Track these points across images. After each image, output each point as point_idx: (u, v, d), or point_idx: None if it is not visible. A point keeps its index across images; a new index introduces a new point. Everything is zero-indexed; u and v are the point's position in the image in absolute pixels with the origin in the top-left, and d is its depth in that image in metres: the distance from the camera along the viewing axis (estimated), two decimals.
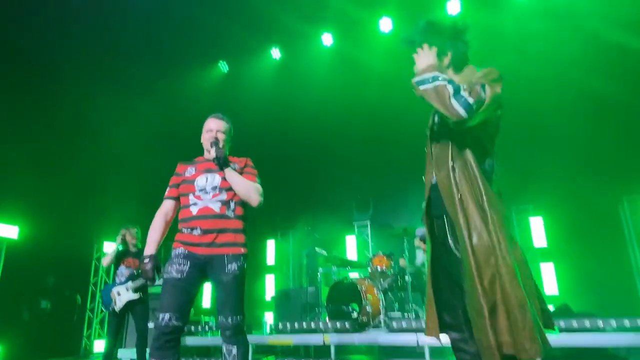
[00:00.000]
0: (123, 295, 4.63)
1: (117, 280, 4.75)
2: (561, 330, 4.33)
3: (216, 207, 2.49)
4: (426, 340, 4.48)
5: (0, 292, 6.77)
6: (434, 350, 4.47)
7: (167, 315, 2.27)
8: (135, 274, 4.75)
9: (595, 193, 6.30)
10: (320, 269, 6.43)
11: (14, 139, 6.78)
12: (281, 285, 8.32)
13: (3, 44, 6.64)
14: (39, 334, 7.05)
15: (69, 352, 7.69)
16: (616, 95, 6.08)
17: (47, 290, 7.68)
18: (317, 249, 6.34)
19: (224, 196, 2.53)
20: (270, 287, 8.57)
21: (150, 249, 2.52)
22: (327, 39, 8.67)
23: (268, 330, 5.88)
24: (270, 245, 8.86)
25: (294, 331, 5.29)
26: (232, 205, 2.53)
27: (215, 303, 2.46)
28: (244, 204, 2.59)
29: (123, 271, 4.76)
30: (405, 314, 5.49)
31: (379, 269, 5.84)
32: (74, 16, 6.77)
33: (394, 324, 4.88)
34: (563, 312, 4.67)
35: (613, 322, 4.19)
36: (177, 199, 2.64)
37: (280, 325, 5.42)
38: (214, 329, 5.85)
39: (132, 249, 4.90)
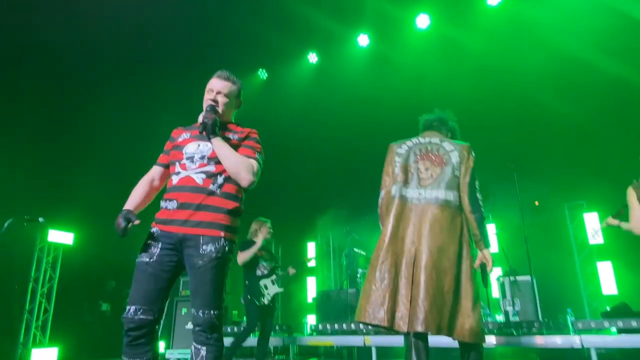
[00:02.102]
0: (270, 288, 4.71)
1: (259, 273, 4.75)
2: (620, 330, 4.02)
3: (199, 179, 2.11)
4: None
5: (57, 294, 7.21)
6: None
7: (132, 308, 1.97)
8: (274, 265, 4.85)
9: None
10: (360, 270, 6.34)
11: (67, 150, 7.23)
12: (322, 287, 8.30)
13: (51, 65, 7.09)
14: (96, 336, 7.41)
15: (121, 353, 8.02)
16: None
17: (108, 293, 8.09)
18: (355, 249, 6.27)
19: (212, 168, 2.14)
20: (311, 289, 8.57)
21: (127, 204, 2.21)
22: (363, 39, 8.65)
23: (308, 331, 5.86)
24: (311, 247, 8.88)
25: (334, 332, 5.24)
26: (219, 179, 2.13)
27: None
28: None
29: (264, 263, 4.80)
30: None
31: None
32: (112, 32, 7.12)
33: None
34: (621, 311, 4.33)
35: None
36: (167, 166, 2.30)
37: (320, 327, 5.38)
38: (257, 329, 5.89)
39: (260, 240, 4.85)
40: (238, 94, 2.39)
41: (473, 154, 2.55)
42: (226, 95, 2.30)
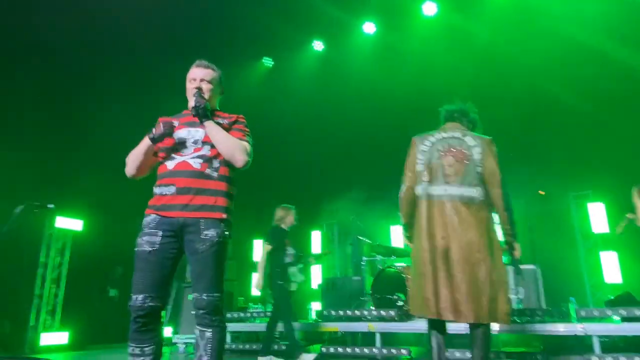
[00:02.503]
0: (297, 276, 4.83)
1: (288, 260, 4.80)
2: (623, 319, 4.05)
3: (195, 164, 2.14)
4: None
5: (67, 280, 7.33)
6: None
7: (140, 297, 2.01)
8: (298, 254, 4.89)
9: None
10: (364, 258, 6.40)
11: (75, 138, 7.28)
12: (327, 274, 8.38)
13: (59, 55, 7.11)
14: (105, 320, 7.54)
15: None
16: None
17: (115, 279, 8.21)
18: (360, 237, 6.31)
19: (207, 152, 2.17)
20: (316, 276, 8.65)
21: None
22: (369, 27, 8.60)
23: (314, 316, 5.93)
24: (316, 235, 8.93)
25: (339, 319, 5.31)
26: (215, 163, 2.17)
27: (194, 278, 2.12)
28: (231, 164, 2.22)
29: (291, 251, 4.85)
30: None
31: None
32: (116, 22, 7.10)
33: None
34: (625, 300, 4.36)
35: None
36: (154, 153, 2.29)
37: (325, 313, 5.45)
38: (262, 315, 5.99)
39: (286, 228, 4.91)
40: (220, 80, 2.41)
41: (495, 149, 2.63)
42: (209, 82, 2.32)
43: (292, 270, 4.81)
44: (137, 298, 2.02)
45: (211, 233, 2.07)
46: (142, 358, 2.05)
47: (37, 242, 7.05)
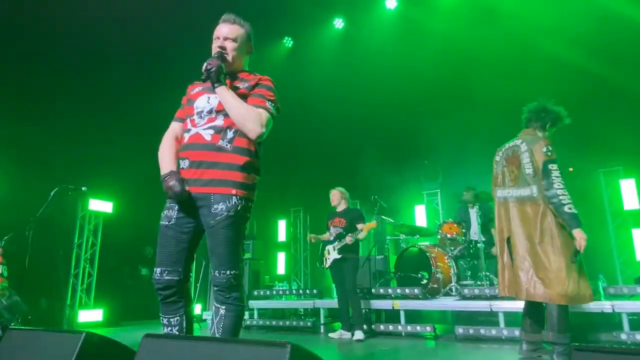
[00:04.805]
0: (331, 254, 4.94)
1: (328, 238, 5.06)
2: None
3: (207, 135, 1.99)
4: (500, 307, 4.35)
5: (100, 260, 7.63)
6: (508, 315, 4.33)
7: (158, 270, 1.97)
8: (342, 232, 4.93)
9: None
10: (388, 237, 6.40)
11: (106, 123, 7.46)
12: None
13: (90, 39, 7.22)
14: (137, 298, 7.85)
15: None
16: None
17: (146, 258, 8.49)
18: (383, 217, 6.32)
19: (220, 122, 2.01)
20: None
21: (166, 166, 2.05)
22: (390, 2, 8.41)
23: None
24: None
25: (363, 297, 5.37)
26: (229, 134, 2.00)
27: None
28: None
29: (331, 230, 5.03)
30: (478, 282, 5.31)
31: (449, 236, 5.69)
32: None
33: (466, 292, 4.77)
34: None
35: None
36: (184, 120, 2.14)
37: None
38: (287, 293, 6.12)
39: (338, 209, 5.15)
40: (248, 37, 2.18)
41: (544, 149, 2.96)
42: (234, 40, 2.11)
43: (328, 248, 4.96)
44: (156, 271, 1.98)
45: (221, 207, 1.94)
46: (169, 328, 2.07)
47: (72, 224, 7.34)
